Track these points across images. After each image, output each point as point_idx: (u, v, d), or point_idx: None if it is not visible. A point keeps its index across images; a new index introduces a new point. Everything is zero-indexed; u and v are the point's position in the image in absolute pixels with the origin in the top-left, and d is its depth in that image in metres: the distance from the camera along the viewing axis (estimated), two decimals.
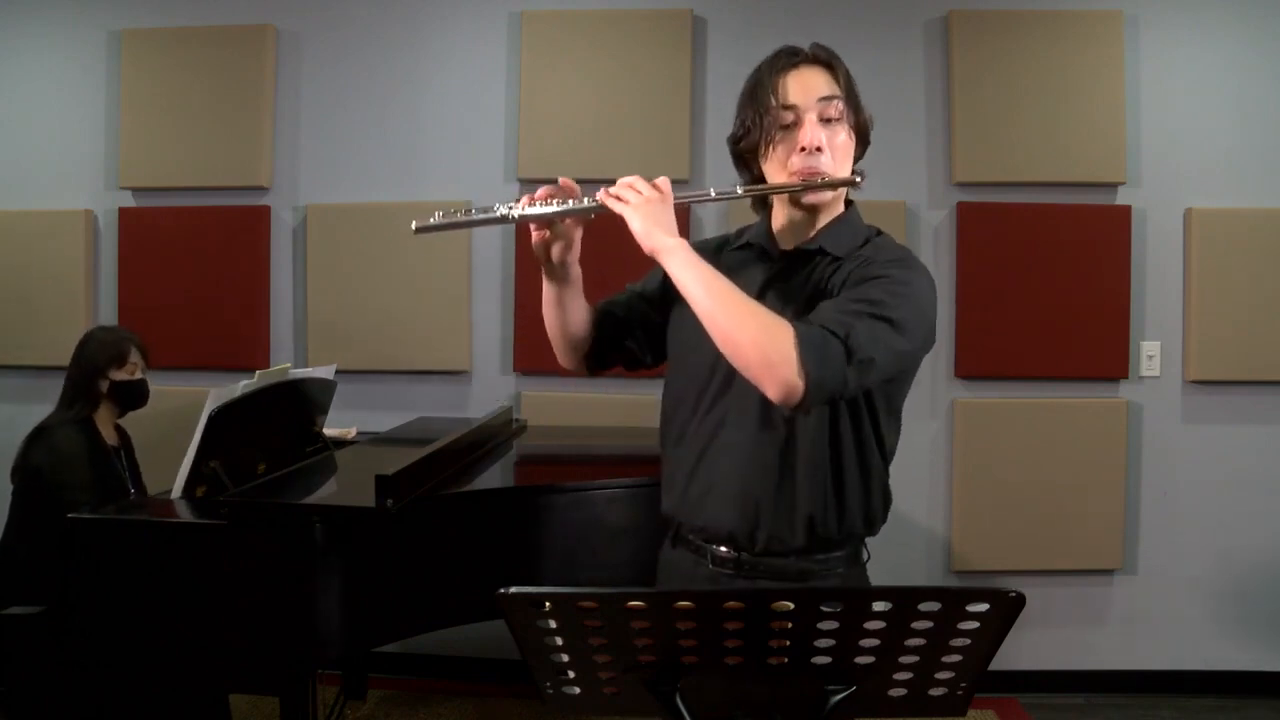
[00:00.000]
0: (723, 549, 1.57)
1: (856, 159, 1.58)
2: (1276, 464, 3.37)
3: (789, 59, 1.53)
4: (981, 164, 3.34)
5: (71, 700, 2.28)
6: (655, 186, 1.48)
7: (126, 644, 2.01)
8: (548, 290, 1.65)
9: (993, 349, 3.36)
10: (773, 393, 1.35)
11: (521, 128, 3.42)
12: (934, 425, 3.41)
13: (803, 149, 1.50)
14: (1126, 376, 3.37)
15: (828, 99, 1.51)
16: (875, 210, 3.23)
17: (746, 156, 1.58)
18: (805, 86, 1.51)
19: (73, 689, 2.26)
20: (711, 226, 3.34)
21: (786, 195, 1.56)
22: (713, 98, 3.40)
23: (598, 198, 1.50)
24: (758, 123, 1.52)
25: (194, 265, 3.50)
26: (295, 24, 3.53)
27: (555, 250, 1.58)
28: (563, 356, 1.75)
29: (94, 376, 2.75)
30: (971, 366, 3.38)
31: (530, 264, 3.52)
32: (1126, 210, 3.34)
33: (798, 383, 1.33)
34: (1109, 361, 3.35)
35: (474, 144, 3.48)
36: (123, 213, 3.55)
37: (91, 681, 2.10)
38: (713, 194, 1.55)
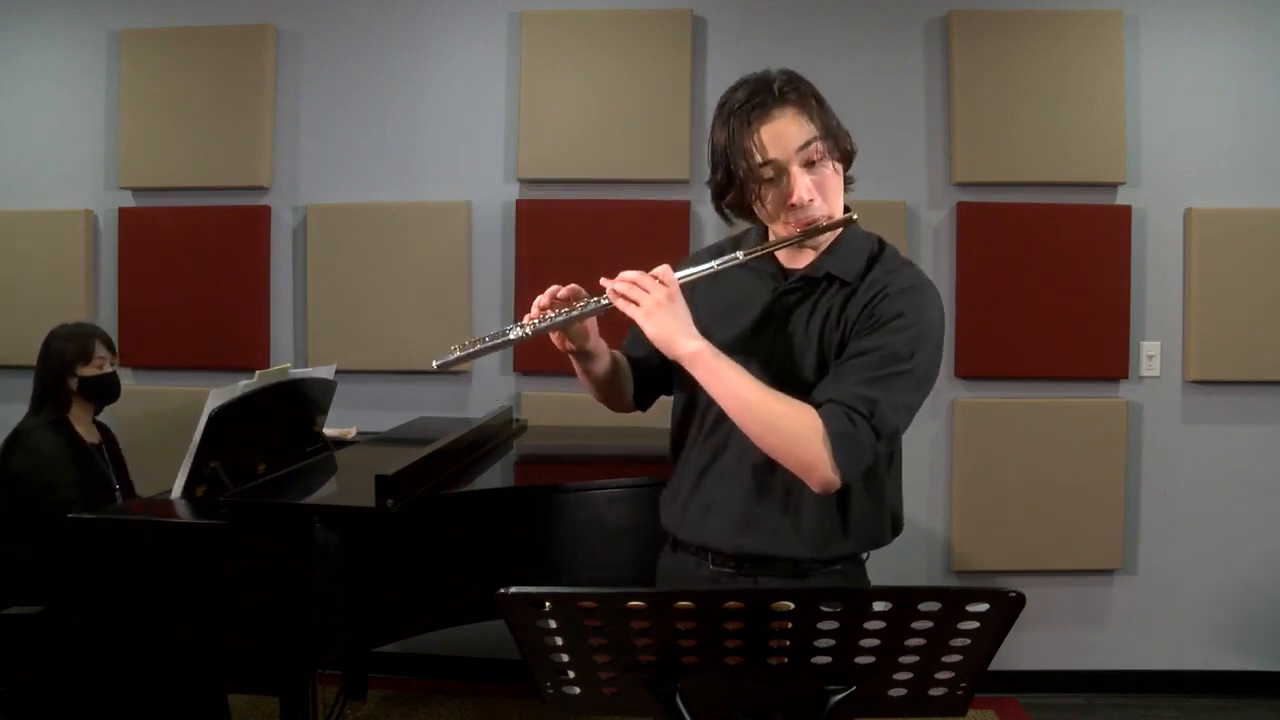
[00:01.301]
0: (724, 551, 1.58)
1: (845, 167, 1.56)
2: (1276, 464, 3.37)
3: (759, 109, 1.46)
4: (981, 164, 3.34)
5: (71, 700, 2.28)
6: (659, 281, 1.44)
7: (126, 644, 2.01)
8: (578, 369, 1.64)
9: (993, 349, 3.35)
10: (813, 488, 1.41)
11: (521, 128, 3.42)
12: (934, 425, 3.41)
13: (793, 205, 1.47)
14: (1126, 376, 3.37)
15: (807, 145, 1.46)
16: (875, 210, 3.26)
17: (734, 207, 1.55)
18: (781, 137, 1.45)
19: (73, 689, 2.26)
20: (712, 233, 3.34)
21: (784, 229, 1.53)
22: (713, 98, 3.34)
23: (608, 293, 1.47)
24: (738, 181, 1.48)
25: (194, 265, 3.50)
26: (295, 24, 3.53)
27: (578, 344, 1.58)
28: (611, 408, 1.75)
29: (61, 375, 2.71)
30: (971, 366, 3.38)
31: (530, 265, 3.52)
32: (1126, 210, 3.34)
33: (834, 478, 1.39)
34: (1109, 361, 3.35)
35: (474, 144, 3.48)
36: (123, 213, 3.54)
37: (91, 681, 2.10)
38: (715, 266, 1.50)
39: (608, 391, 1.70)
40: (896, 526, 1.60)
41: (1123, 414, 3.35)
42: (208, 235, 3.50)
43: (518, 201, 3.44)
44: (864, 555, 1.61)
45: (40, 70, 3.59)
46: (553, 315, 1.51)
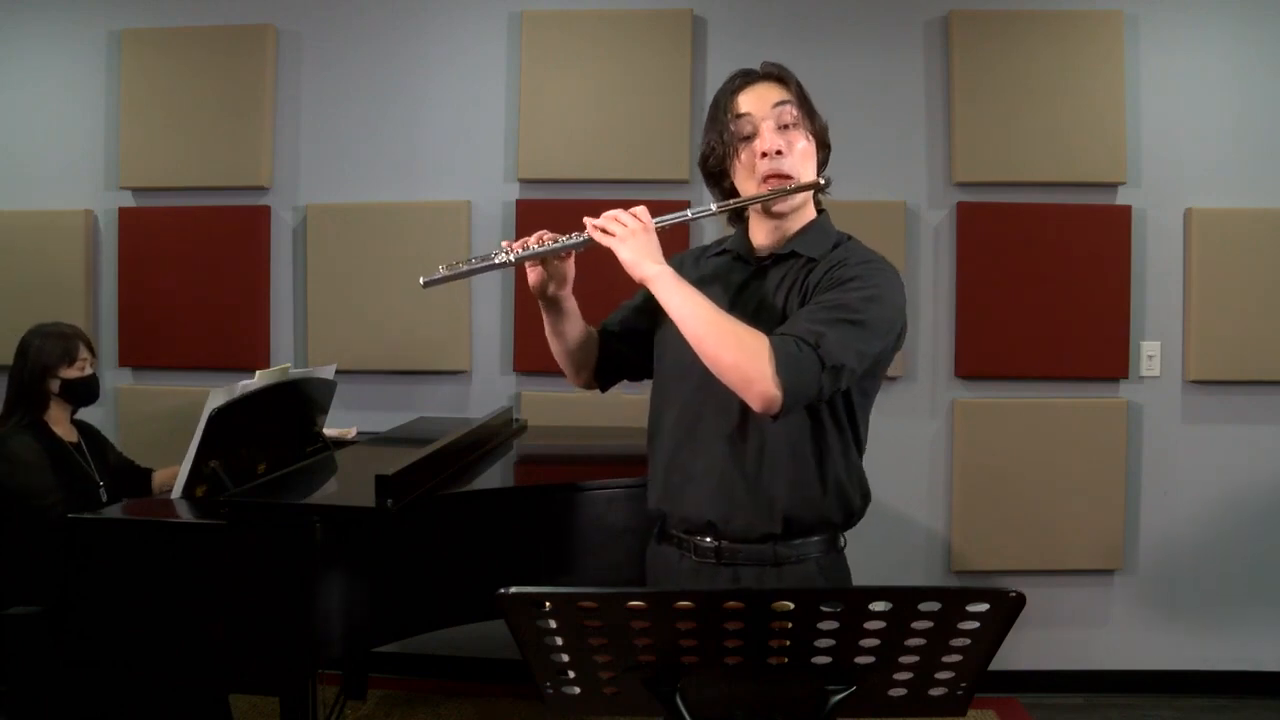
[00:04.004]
0: (706, 540, 1.64)
1: (821, 165, 1.67)
2: (1276, 464, 3.38)
3: (743, 78, 1.64)
4: (981, 164, 3.34)
5: (71, 700, 2.28)
6: (635, 217, 1.57)
7: (126, 644, 2.01)
8: (547, 321, 1.75)
9: (993, 349, 3.36)
10: (754, 405, 1.48)
11: (521, 128, 3.42)
12: (934, 425, 3.41)
13: (764, 155, 1.59)
14: (1126, 376, 3.37)
15: (781, 104, 1.60)
16: (875, 210, 3.27)
17: (716, 174, 1.68)
18: (758, 97, 1.61)
19: (73, 689, 2.26)
20: (710, 234, 3.34)
21: (759, 206, 1.64)
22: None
23: (586, 231, 1.59)
24: (719, 140, 1.63)
25: (194, 265, 3.50)
26: (295, 24, 3.53)
27: (551, 286, 1.69)
28: (571, 377, 1.86)
29: (43, 377, 2.66)
30: (971, 366, 3.38)
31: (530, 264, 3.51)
32: (1126, 210, 3.34)
33: (776, 394, 1.44)
34: (1109, 361, 3.35)
35: (474, 144, 3.48)
36: (123, 213, 3.54)
37: (91, 681, 2.10)
38: (689, 215, 1.64)
39: (570, 354, 1.80)
40: (865, 495, 1.68)
41: (1123, 414, 3.35)
42: (208, 235, 3.50)
43: (518, 201, 3.44)
44: (841, 542, 1.68)
45: (40, 70, 3.60)
46: (537, 246, 1.64)
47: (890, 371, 3.32)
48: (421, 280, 1.69)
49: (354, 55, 3.51)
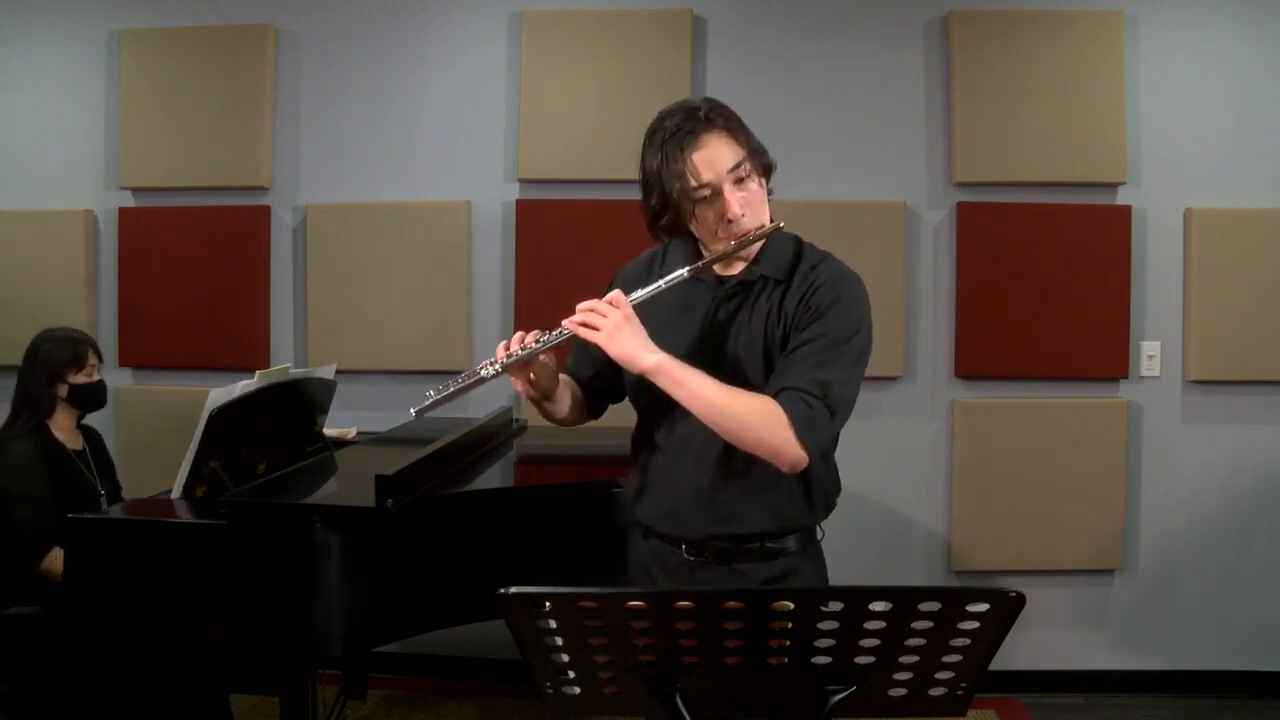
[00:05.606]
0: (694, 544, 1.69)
1: (767, 179, 1.67)
2: (1276, 464, 3.37)
3: (690, 135, 1.58)
4: (981, 164, 3.34)
5: (71, 700, 2.28)
6: (613, 304, 1.55)
7: (127, 644, 2.01)
8: (542, 410, 1.79)
9: (993, 349, 3.35)
10: (785, 469, 1.54)
11: (521, 128, 3.42)
12: (934, 425, 3.41)
13: (729, 220, 1.59)
14: (1126, 376, 3.37)
15: (736, 166, 1.58)
16: (875, 210, 3.27)
17: (670, 229, 1.64)
18: (713, 161, 1.57)
19: (73, 689, 2.26)
20: None
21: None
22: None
23: (565, 328, 1.58)
24: (676, 203, 1.58)
25: (194, 265, 3.50)
26: (295, 24, 3.53)
27: (542, 385, 1.69)
28: (567, 426, 1.88)
29: (51, 381, 2.65)
30: (971, 366, 3.38)
31: (530, 265, 3.52)
32: (1126, 210, 3.34)
33: (802, 456, 1.53)
34: (1109, 361, 3.35)
35: (474, 144, 3.48)
36: (123, 213, 3.54)
37: (91, 681, 2.10)
38: (663, 284, 1.61)
39: (566, 418, 1.83)
40: (838, 486, 1.74)
41: (1123, 414, 3.35)
42: (208, 235, 3.50)
43: (518, 201, 3.44)
44: (819, 534, 1.73)
45: (40, 70, 3.59)
46: (520, 350, 1.61)
47: (890, 371, 3.36)
48: (413, 410, 1.71)
49: (354, 55, 3.51)
